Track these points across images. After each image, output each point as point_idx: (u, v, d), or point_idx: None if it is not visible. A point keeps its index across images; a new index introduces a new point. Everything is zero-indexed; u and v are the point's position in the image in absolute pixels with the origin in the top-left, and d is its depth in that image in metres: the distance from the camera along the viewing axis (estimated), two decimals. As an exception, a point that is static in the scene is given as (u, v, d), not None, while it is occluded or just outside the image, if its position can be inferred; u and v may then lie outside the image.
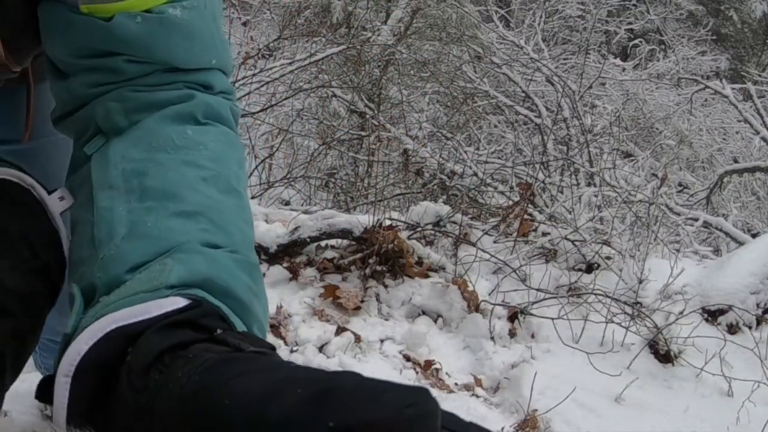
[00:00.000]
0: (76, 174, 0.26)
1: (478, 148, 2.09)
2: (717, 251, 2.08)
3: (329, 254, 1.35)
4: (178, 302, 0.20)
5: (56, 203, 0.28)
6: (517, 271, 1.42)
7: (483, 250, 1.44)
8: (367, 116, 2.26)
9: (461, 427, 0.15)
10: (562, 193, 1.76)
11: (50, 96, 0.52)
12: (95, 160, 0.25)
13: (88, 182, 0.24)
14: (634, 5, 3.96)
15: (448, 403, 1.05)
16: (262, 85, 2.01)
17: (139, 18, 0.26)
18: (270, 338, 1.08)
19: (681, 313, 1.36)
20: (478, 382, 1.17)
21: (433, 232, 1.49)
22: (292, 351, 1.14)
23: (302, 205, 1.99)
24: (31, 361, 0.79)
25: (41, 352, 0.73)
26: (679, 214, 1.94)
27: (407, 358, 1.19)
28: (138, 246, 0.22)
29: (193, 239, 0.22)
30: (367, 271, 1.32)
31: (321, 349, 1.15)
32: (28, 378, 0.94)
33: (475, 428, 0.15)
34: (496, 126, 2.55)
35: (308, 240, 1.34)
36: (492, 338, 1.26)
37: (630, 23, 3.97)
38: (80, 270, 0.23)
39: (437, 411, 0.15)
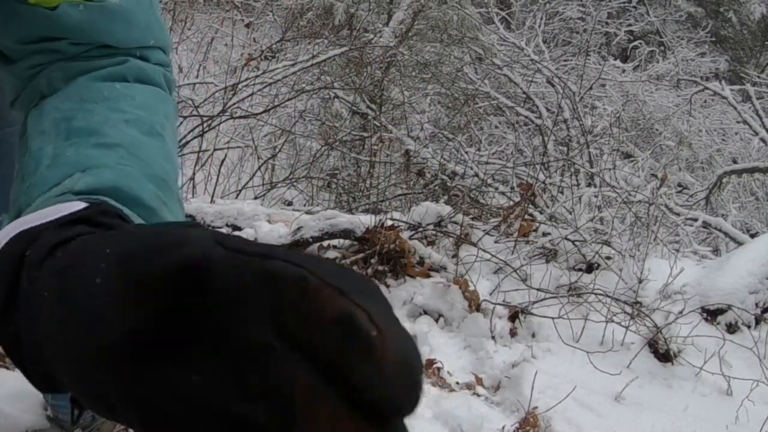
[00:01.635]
0: (21, 137, 0.28)
1: (479, 149, 2.10)
2: (716, 251, 2.09)
3: (331, 254, 1.35)
4: (77, 205, 0.21)
5: None
6: (518, 271, 1.42)
7: (484, 250, 1.45)
8: (369, 117, 2.27)
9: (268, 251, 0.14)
10: (562, 193, 1.77)
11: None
12: (32, 115, 0.27)
13: (26, 135, 0.26)
14: (633, 7, 3.97)
15: (450, 401, 1.06)
16: (265, 87, 2.01)
17: (82, 6, 0.27)
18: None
19: (680, 312, 1.36)
20: (479, 381, 1.18)
21: (434, 232, 1.50)
22: (294, 350, 1.14)
23: (305, 205, 1.99)
24: None
25: None
26: (678, 215, 1.94)
27: (409, 357, 1.20)
28: (57, 171, 0.23)
29: (110, 163, 0.24)
30: (369, 271, 1.32)
31: (323, 348, 1.16)
32: (33, 377, 0.93)
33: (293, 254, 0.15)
34: (497, 127, 2.56)
35: (310, 240, 1.34)
36: (493, 337, 1.27)
37: (630, 25, 3.99)
38: (12, 202, 0.24)
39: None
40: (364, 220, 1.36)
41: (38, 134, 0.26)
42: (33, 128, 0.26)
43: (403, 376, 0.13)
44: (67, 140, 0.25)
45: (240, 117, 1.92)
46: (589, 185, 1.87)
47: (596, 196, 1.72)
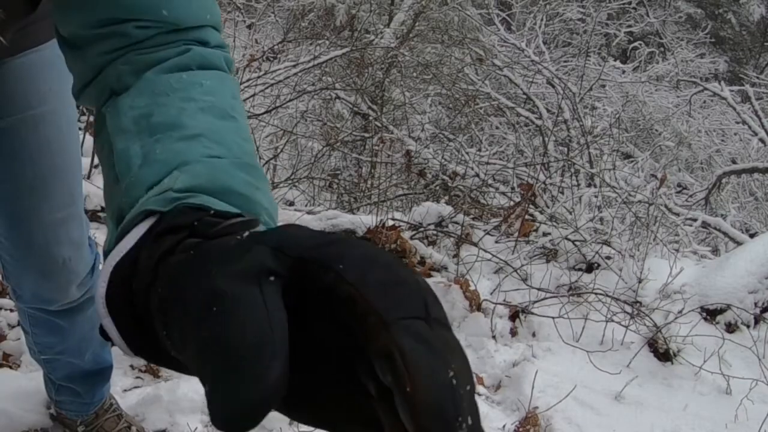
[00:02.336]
0: (99, 135, 0.29)
1: (479, 150, 2.11)
2: (715, 251, 2.10)
3: (333, 254, 1.36)
4: (145, 225, 0.21)
5: None
6: (519, 271, 1.43)
7: (484, 250, 1.45)
8: (371, 118, 2.28)
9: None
10: (562, 193, 1.77)
11: (14, 76, 0.53)
12: (109, 114, 0.28)
13: (107, 133, 0.28)
14: (633, 8, 3.98)
15: (451, 400, 1.06)
16: (267, 88, 2.02)
17: None
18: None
19: (680, 312, 1.36)
20: (480, 381, 1.18)
21: (435, 232, 1.51)
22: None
23: (306, 205, 1.99)
24: (33, 360, 0.79)
25: (32, 330, 0.71)
26: (678, 215, 1.95)
27: (410, 357, 1.20)
28: (151, 169, 0.24)
29: (197, 154, 0.25)
30: (371, 270, 1.33)
31: (325, 347, 1.17)
32: (35, 377, 0.95)
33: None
34: (497, 127, 2.56)
35: (312, 240, 1.35)
36: (493, 337, 1.27)
37: (630, 26, 3.99)
38: (111, 207, 0.25)
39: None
40: (365, 220, 1.38)
41: (120, 133, 0.27)
42: (114, 128, 0.27)
43: (431, 418, 0.14)
44: (152, 136, 0.26)
45: (242, 118, 1.93)
46: (589, 185, 1.87)
47: (596, 197, 1.73)
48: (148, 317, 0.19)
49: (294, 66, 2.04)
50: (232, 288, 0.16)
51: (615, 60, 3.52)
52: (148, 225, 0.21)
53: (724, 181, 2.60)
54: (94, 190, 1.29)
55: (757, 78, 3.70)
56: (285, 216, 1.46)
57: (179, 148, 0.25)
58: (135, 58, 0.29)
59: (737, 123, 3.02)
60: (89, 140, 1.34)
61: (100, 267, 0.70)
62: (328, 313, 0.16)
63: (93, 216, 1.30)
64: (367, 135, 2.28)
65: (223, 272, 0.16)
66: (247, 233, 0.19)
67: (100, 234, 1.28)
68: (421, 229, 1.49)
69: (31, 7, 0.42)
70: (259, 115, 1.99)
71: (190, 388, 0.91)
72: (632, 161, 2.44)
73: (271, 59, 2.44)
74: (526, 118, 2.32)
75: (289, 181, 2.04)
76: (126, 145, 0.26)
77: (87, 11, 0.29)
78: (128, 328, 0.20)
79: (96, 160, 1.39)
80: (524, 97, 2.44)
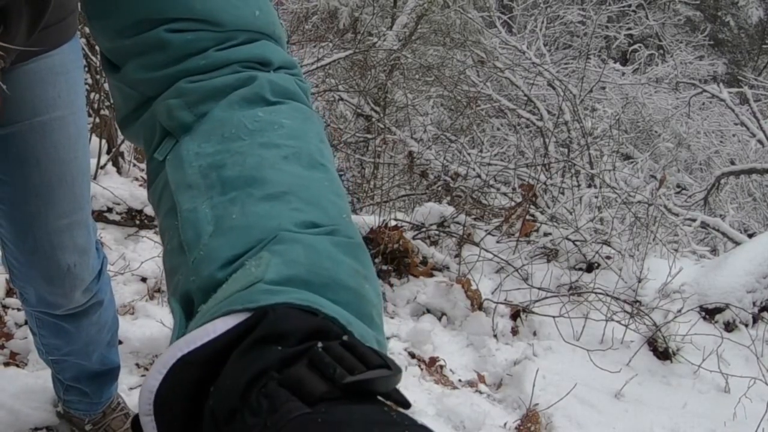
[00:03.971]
0: (154, 184, 0.24)
1: (481, 151, 2.12)
2: (714, 251, 2.11)
3: (336, 253, 1.37)
4: (240, 317, 0.17)
5: None
6: (520, 271, 1.44)
7: (486, 250, 1.46)
8: (373, 119, 2.30)
9: None
10: (563, 194, 1.79)
11: (23, 83, 0.52)
12: (169, 163, 0.23)
13: (168, 188, 0.22)
14: (633, 11, 4.00)
15: (452, 399, 1.08)
16: None
17: None
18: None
19: (679, 311, 1.37)
20: (481, 379, 1.19)
21: (437, 232, 1.51)
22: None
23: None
24: (38, 358, 0.80)
25: (39, 331, 0.71)
26: (677, 215, 1.97)
27: (412, 355, 1.21)
28: (227, 240, 0.19)
29: (287, 221, 0.20)
30: (374, 270, 1.34)
31: (329, 345, 1.18)
32: (43, 375, 0.96)
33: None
34: (498, 129, 2.58)
35: (316, 239, 1.36)
36: (495, 336, 1.28)
37: (629, 29, 4.02)
38: (174, 280, 0.21)
39: None
40: (368, 221, 1.39)
41: (185, 189, 0.21)
42: (177, 182, 0.22)
43: None
44: (224, 195, 0.20)
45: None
46: (589, 186, 1.89)
47: (596, 197, 1.74)
48: None
49: (297, 68, 2.05)
50: None
51: (615, 62, 3.55)
52: (234, 320, 0.16)
53: (722, 181, 2.62)
54: (100, 191, 1.31)
55: (756, 80, 3.72)
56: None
57: (261, 211, 0.20)
58: (185, 87, 0.24)
59: (736, 124, 3.04)
60: (95, 141, 1.35)
61: (108, 271, 0.71)
62: None
63: (99, 216, 1.32)
64: (370, 136, 2.30)
65: None
66: (388, 410, 0.14)
67: (105, 234, 1.29)
68: (424, 229, 1.50)
69: (32, 27, 0.42)
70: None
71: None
72: (632, 162, 2.45)
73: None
74: (527, 119, 2.33)
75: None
76: (193, 204, 0.21)
77: (113, 17, 0.25)
78: (172, 428, 0.16)
79: (103, 161, 1.40)
80: (525, 98, 2.46)
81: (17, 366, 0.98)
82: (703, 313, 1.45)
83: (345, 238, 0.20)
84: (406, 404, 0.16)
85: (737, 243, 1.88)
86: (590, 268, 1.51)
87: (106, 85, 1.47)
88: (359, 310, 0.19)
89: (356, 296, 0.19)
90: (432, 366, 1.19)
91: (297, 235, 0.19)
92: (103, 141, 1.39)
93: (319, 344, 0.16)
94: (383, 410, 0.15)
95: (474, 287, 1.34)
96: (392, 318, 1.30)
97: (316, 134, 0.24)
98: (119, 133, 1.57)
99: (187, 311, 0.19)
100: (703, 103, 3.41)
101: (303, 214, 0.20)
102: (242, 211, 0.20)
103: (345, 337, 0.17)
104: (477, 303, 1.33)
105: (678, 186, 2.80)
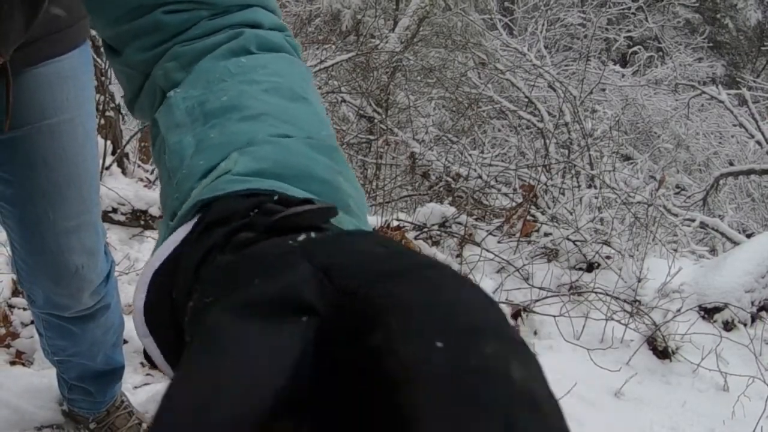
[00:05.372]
0: (156, 142, 0.24)
1: (482, 152, 2.13)
2: (713, 251, 2.12)
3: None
4: (187, 226, 0.17)
5: None
6: (520, 270, 1.45)
7: (487, 250, 1.47)
8: (376, 121, 2.31)
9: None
10: (563, 194, 1.80)
11: (32, 86, 0.53)
12: (161, 113, 0.23)
13: (161, 136, 0.23)
14: (633, 13, 4.02)
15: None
16: None
17: None
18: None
19: (678, 310, 1.38)
20: (483, 377, 1.20)
21: (439, 232, 1.52)
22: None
23: (312, 206, 2.01)
24: (43, 357, 0.81)
25: (46, 333, 0.71)
26: (676, 215, 1.98)
27: (415, 354, 1.22)
28: (205, 155, 0.20)
29: (261, 134, 0.20)
30: (376, 269, 1.35)
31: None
32: (48, 374, 0.96)
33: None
34: (499, 130, 2.60)
35: (319, 239, 1.37)
36: (496, 335, 1.29)
37: (629, 31, 4.04)
38: (165, 210, 0.21)
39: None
40: (370, 221, 1.40)
41: (173, 128, 0.22)
42: (165, 126, 0.23)
43: None
44: (206, 123, 0.21)
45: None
46: (589, 187, 1.90)
47: (596, 198, 1.75)
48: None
49: (300, 69, 2.05)
50: (234, 327, 0.11)
51: (615, 64, 3.57)
52: (186, 228, 0.17)
53: (721, 182, 2.63)
54: (104, 191, 1.32)
55: (754, 81, 3.74)
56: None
57: (239, 129, 0.20)
58: (180, 50, 0.24)
59: (734, 126, 3.05)
60: (100, 142, 1.36)
61: (116, 275, 0.72)
62: (363, 387, 0.10)
63: (104, 217, 1.32)
64: (372, 137, 2.31)
65: (238, 300, 0.12)
66: (305, 236, 0.14)
67: (110, 234, 1.30)
68: (425, 229, 1.51)
69: (27, 23, 0.42)
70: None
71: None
72: (632, 163, 2.47)
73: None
74: (528, 120, 2.34)
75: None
76: (179, 137, 0.21)
77: (109, 7, 0.25)
78: (173, 348, 0.16)
79: (108, 162, 1.41)
80: (526, 100, 2.47)
81: (23, 365, 0.99)
82: (702, 313, 1.46)
83: (319, 141, 0.20)
84: (322, 229, 0.15)
85: (736, 243, 1.89)
86: (590, 267, 1.52)
87: (111, 87, 1.48)
88: (334, 199, 0.18)
89: (330, 187, 0.19)
90: (434, 365, 1.20)
91: (269, 139, 0.20)
92: (108, 142, 1.40)
93: (256, 210, 0.16)
94: (291, 236, 0.14)
95: (475, 287, 1.35)
96: (394, 317, 1.31)
97: (299, 74, 0.24)
98: (124, 134, 1.59)
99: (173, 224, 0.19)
100: (702, 105, 3.43)
101: (278, 129, 0.20)
102: (220, 132, 0.20)
103: (276, 197, 0.16)
104: (478, 302, 1.33)
105: (677, 187, 2.81)
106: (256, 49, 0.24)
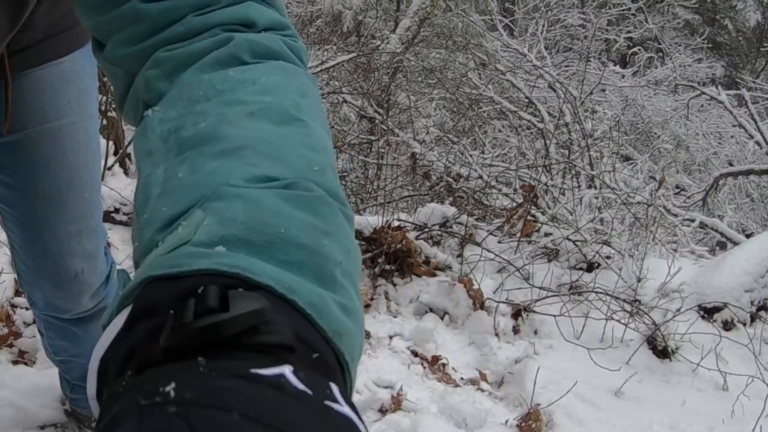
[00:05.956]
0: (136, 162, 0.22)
1: (483, 152, 2.14)
2: (713, 251, 2.13)
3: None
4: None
5: None
6: (521, 270, 1.45)
7: (488, 250, 1.47)
8: (377, 121, 2.31)
9: None
10: (563, 195, 1.80)
11: (33, 88, 0.51)
12: (137, 134, 0.21)
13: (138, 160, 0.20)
14: (633, 14, 4.04)
15: (455, 396, 1.09)
16: None
17: None
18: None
19: (678, 310, 1.39)
20: (483, 377, 1.20)
21: (439, 232, 1.53)
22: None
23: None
24: (46, 357, 0.81)
25: (47, 333, 0.71)
26: (676, 216, 1.98)
27: (415, 354, 1.22)
28: (168, 200, 0.17)
29: (235, 176, 0.17)
30: (377, 270, 1.36)
31: (333, 344, 1.19)
32: (50, 374, 0.96)
33: None
34: (500, 131, 2.61)
35: (320, 239, 1.38)
36: (496, 334, 1.29)
37: (629, 32, 4.05)
38: (133, 250, 0.19)
39: None
40: (371, 221, 1.40)
41: (146, 157, 0.20)
42: (140, 151, 0.20)
43: None
44: (179, 155, 0.18)
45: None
46: (589, 187, 1.91)
47: (596, 198, 1.76)
48: None
49: (301, 70, 2.06)
50: None
51: (615, 65, 3.59)
52: (117, 324, 0.15)
53: (721, 182, 2.64)
54: (106, 192, 1.32)
55: (753, 82, 3.75)
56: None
57: (210, 169, 0.17)
58: (162, 57, 0.21)
59: (734, 126, 3.06)
60: (102, 142, 1.36)
61: (115, 275, 0.72)
62: None
63: (106, 217, 1.33)
64: (373, 138, 2.31)
65: None
66: (173, 392, 0.12)
67: (112, 234, 1.30)
68: (426, 229, 1.52)
69: (10, 25, 0.42)
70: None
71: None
72: (632, 163, 2.47)
73: (280, 64, 2.46)
74: (528, 121, 2.35)
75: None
76: (150, 170, 0.19)
77: None
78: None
79: (110, 162, 1.41)
80: (526, 100, 2.48)
81: (26, 364, 0.99)
82: (702, 312, 1.46)
83: (302, 191, 0.17)
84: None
85: (735, 243, 1.90)
86: (590, 267, 1.53)
87: (113, 87, 1.48)
88: (316, 270, 0.16)
89: (311, 254, 0.16)
90: (434, 364, 1.21)
91: (240, 190, 0.17)
92: (110, 142, 1.40)
93: (192, 301, 0.14)
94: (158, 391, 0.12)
95: (476, 287, 1.36)
96: (395, 317, 1.32)
97: (296, 89, 0.21)
98: (126, 134, 1.59)
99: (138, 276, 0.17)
100: (702, 105, 3.44)
101: (257, 169, 0.17)
102: (189, 169, 0.18)
103: (200, 289, 0.14)
104: (479, 302, 1.34)
105: (677, 187, 2.82)
106: (249, 58, 0.21)
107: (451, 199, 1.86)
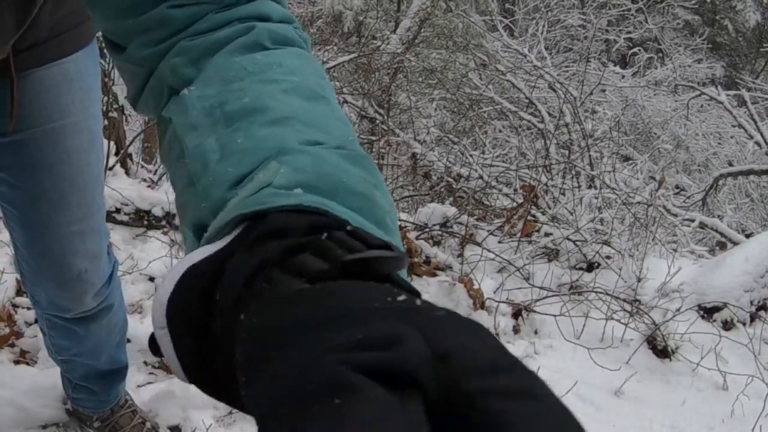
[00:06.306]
0: (164, 141, 0.23)
1: (483, 152, 2.15)
2: (712, 251, 2.14)
3: (341, 253, 1.39)
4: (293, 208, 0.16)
5: None
6: (521, 270, 1.45)
7: (488, 250, 1.48)
8: (377, 121, 2.32)
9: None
10: (563, 195, 1.80)
11: (37, 88, 0.52)
12: (174, 112, 0.23)
13: (176, 137, 0.22)
14: (633, 15, 4.04)
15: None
16: None
17: None
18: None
19: (678, 310, 1.39)
20: (484, 376, 1.21)
21: (440, 232, 1.53)
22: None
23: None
24: (48, 356, 0.81)
25: (50, 332, 0.71)
26: (676, 216, 1.99)
27: (416, 353, 1.23)
28: (233, 162, 0.19)
29: (291, 140, 0.19)
30: (378, 269, 1.36)
31: (334, 343, 1.19)
32: (52, 373, 0.96)
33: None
34: (500, 131, 2.61)
35: (321, 239, 1.38)
36: (497, 334, 1.29)
37: (629, 32, 4.06)
38: (187, 216, 0.20)
39: None
40: (372, 221, 1.40)
41: (190, 131, 0.21)
42: (182, 126, 0.22)
43: None
44: (229, 126, 0.20)
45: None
46: (589, 187, 1.91)
47: (596, 198, 1.76)
48: (225, 344, 0.14)
49: (302, 70, 2.06)
50: (367, 387, 0.11)
51: (615, 65, 3.59)
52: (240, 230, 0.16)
53: (720, 182, 2.64)
54: (108, 192, 1.32)
55: (753, 83, 3.75)
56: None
57: (265, 135, 0.19)
58: (188, 45, 0.23)
59: (733, 126, 3.07)
60: (104, 143, 1.37)
61: (119, 275, 0.72)
62: None
63: (107, 217, 1.30)
64: (374, 138, 2.32)
65: (358, 358, 0.11)
66: (405, 297, 0.13)
67: (114, 234, 1.30)
68: (427, 229, 1.52)
69: (17, 26, 0.42)
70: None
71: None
72: (631, 164, 2.48)
73: (281, 64, 2.47)
74: (529, 121, 2.36)
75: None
76: (199, 140, 0.20)
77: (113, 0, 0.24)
78: (189, 350, 0.16)
79: (111, 162, 1.42)
80: (527, 101, 2.48)
81: (27, 364, 1.00)
82: (702, 312, 1.46)
83: (351, 151, 0.20)
84: (413, 291, 0.15)
85: (735, 243, 1.90)
86: (590, 267, 1.53)
87: (114, 88, 1.48)
88: (371, 215, 0.18)
89: (367, 202, 0.18)
90: (435, 364, 1.21)
91: (303, 147, 0.19)
92: (112, 143, 1.41)
93: (324, 234, 0.15)
94: (386, 288, 0.14)
95: (476, 286, 1.36)
96: (396, 317, 1.32)
97: (314, 72, 0.24)
98: (127, 134, 1.59)
99: (199, 236, 0.19)
100: (702, 106, 3.45)
101: (307, 135, 0.20)
102: (246, 135, 0.20)
103: (349, 227, 0.16)
104: (479, 302, 1.34)
105: (677, 187, 2.83)
106: (270, 44, 0.24)
107: (451, 199, 1.86)
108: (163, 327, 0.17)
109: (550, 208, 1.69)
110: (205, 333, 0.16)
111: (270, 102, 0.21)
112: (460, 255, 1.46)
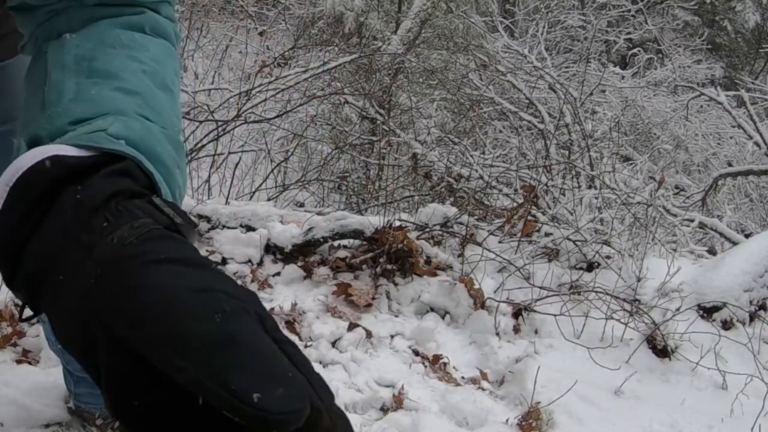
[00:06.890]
0: (32, 70, 0.28)
1: (483, 153, 2.15)
2: (712, 251, 2.14)
3: (342, 254, 1.39)
4: (117, 152, 0.22)
5: None
6: (521, 270, 1.46)
7: (488, 250, 1.48)
8: (378, 122, 2.32)
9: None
10: (564, 195, 1.81)
11: (17, 79, 0.49)
12: (52, 46, 0.28)
13: (44, 66, 0.27)
14: (632, 16, 4.04)
15: (456, 395, 1.09)
16: (278, 93, 2.03)
17: None
18: (285, 334, 1.09)
19: (677, 309, 1.39)
20: (484, 376, 1.20)
21: (440, 232, 1.53)
22: (306, 346, 1.17)
23: (316, 206, 2.03)
24: (52, 356, 0.81)
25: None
26: (675, 216, 1.99)
27: (416, 353, 1.22)
28: (82, 105, 0.24)
29: (130, 109, 0.25)
30: (378, 269, 1.36)
31: (334, 344, 1.18)
32: (54, 372, 0.97)
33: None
34: (501, 131, 2.61)
35: (322, 240, 1.38)
36: (497, 334, 1.30)
37: (629, 33, 4.07)
38: (27, 128, 0.25)
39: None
40: (373, 221, 1.41)
41: (59, 67, 0.26)
42: (54, 61, 0.27)
43: None
44: (89, 78, 0.26)
45: (253, 122, 1.95)
46: (589, 187, 1.91)
47: (596, 198, 1.76)
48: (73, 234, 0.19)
49: (304, 72, 2.06)
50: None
51: (615, 66, 3.59)
52: (80, 152, 0.21)
53: (720, 183, 2.65)
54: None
55: (752, 83, 3.76)
56: (295, 217, 1.50)
57: (114, 97, 0.25)
58: (87, 10, 0.29)
59: (733, 127, 3.07)
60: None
61: None
62: None
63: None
64: (374, 138, 2.32)
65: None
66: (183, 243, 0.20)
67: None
68: (427, 229, 1.52)
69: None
70: (270, 119, 2.03)
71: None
72: (631, 164, 2.48)
73: (282, 65, 2.49)
74: (529, 122, 2.36)
75: (300, 183, 2.08)
76: (62, 77, 0.26)
77: None
78: (17, 207, 0.20)
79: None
80: (527, 101, 2.48)
81: (29, 363, 1.00)
82: (701, 312, 1.47)
83: (171, 133, 0.26)
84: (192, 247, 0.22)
85: (734, 243, 1.90)
86: (590, 267, 1.53)
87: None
88: (168, 184, 0.25)
89: (168, 173, 0.25)
90: (436, 363, 1.21)
91: (137, 117, 0.25)
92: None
93: (154, 197, 0.22)
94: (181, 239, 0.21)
95: (477, 286, 1.36)
96: (396, 316, 1.32)
97: (173, 68, 0.30)
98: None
99: (31, 148, 0.23)
100: (701, 106, 3.45)
101: (144, 111, 0.26)
102: (99, 91, 0.25)
103: (171, 200, 0.23)
104: (480, 302, 1.35)
105: (676, 187, 2.83)
106: (149, 31, 0.30)
107: (452, 199, 1.86)
108: (8, 184, 0.21)
109: (550, 208, 1.70)
110: (38, 207, 0.21)
111: (127, 75, 0.27)
112: (461, 255, 1.46)
